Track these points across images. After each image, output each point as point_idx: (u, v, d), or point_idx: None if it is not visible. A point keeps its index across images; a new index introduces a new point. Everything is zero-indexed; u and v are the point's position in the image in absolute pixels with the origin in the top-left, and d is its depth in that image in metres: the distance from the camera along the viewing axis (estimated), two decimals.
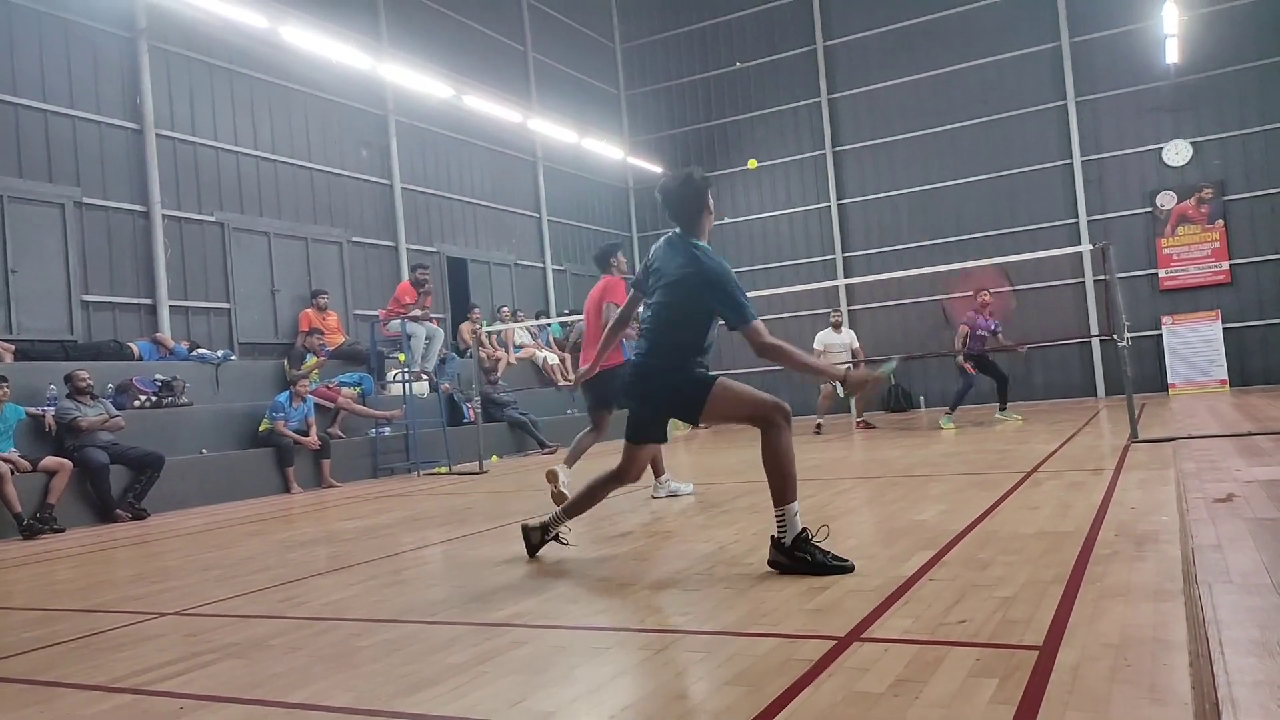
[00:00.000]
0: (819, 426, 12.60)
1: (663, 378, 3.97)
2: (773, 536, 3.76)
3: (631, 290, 4.43)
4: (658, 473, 6.75)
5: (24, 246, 9.92)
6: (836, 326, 13.19)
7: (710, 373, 4.00)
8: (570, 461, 6.47)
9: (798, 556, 3.66)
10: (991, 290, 12.31)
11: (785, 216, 19.20)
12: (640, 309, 4.32)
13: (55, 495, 7.86)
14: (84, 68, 10.73)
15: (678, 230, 4.12)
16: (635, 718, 2.26)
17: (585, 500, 4.39)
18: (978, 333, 12.12)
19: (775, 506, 3.76)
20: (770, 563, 3.76)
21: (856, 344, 13.31)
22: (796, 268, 18.74)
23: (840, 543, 4.33)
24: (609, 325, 4.77)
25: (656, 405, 4.14)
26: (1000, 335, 12.29)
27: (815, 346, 12.86)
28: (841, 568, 3.62)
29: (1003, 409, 12.38)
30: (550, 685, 2.54)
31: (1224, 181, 15.71)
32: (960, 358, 12.33)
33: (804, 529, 3.70)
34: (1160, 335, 15.79)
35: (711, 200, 4.18)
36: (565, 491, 5.73)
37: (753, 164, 13.47)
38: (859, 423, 13.10)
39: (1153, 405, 12.95)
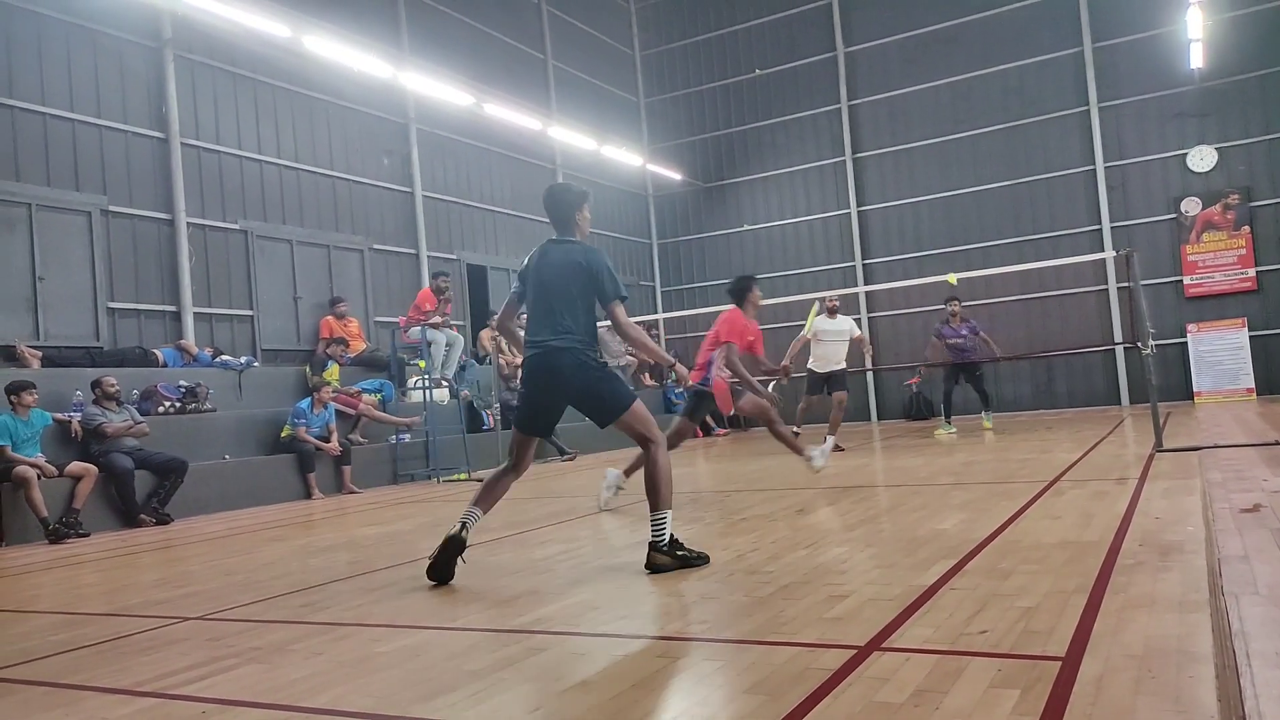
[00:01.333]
0: (794, 433, 11.51)
1: (586, 372, 4.34)
2: (651, 542, 4.23)
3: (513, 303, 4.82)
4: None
5: (51, 254, 10.06)
6: (831, 312, 11.54)
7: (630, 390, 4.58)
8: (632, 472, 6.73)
9: (679, 555, 4.20)
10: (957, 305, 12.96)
11: (805, 223, 19.16)
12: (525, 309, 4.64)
13: (81, 500, 7.95)
14: (110, 77, 10.88)
15: (555, 235, 4.69)
16: None
17: (485, 495, 4.54)
18: (950, 342, 12.73)
19: (653, 513, 4.27)
20: (650, 566, 4.18)
21: (858, 332, 11.72)
22: (816, 275, 18.68)
23: (860, 551, 4.31)
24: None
25: (569, 397, 4.45)
26: (982, 335, 12.94)
27: (804, 333, 11.29)
28: (702, 559, 4.24)
29: (948, 420, 12.86)
30: (568, 693, 2.54)
31: (1250, 187, 15.53)
32: (923, 367, 12.77)
33: (672, 534, 4.26)
34: (1185, 343, 15.61)
35: (588, 209, 4.75)
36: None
37: (953, 279, 11.99)
38: (833, 448, 9.94)
39: (1178, 414, 12.81)
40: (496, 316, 5.16)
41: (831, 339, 11.25)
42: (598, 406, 4.38)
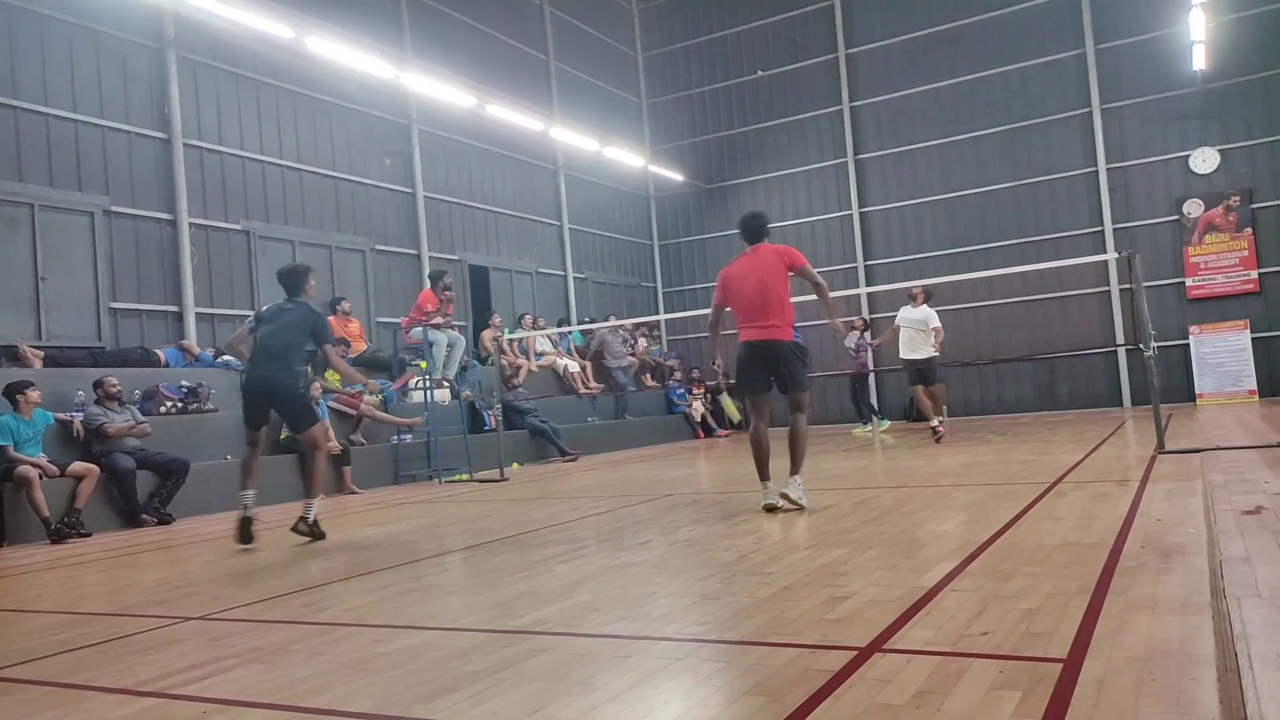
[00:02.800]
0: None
1: (289, 390, 6.28)
2: (302, 517, 6.18)
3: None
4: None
5: (54, 254, 10.07)
6: (915, 300, 11.79)
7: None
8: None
9: (311, 527, 6.18)
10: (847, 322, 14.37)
11: (807, 225, 19.15)
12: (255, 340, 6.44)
13: (82, 500, 7.95)
14: (113, 78, 10.90)
15: (289, 298, 6.50)
16: None
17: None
18: (851, 354, 14.69)
19: (309, 498, 6.27)
20: (294, 529, 6.17)
21: (936, 323, 11.62)
22: None
23: (861, 552, 4.31)
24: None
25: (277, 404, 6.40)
26: (861, 355, 14.68)
27: (897, 322, 12.04)
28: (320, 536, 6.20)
29: (866, 422, 14.72)
30: (569, 693, 2.54)
31: (1252, 189, 15.52)
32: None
33: (316, 515, 6.23)
34: (1187, 345, 15.59)
35: (312, 280, 6.57)
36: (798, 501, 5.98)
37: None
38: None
39: (1180, 416, 12.80)
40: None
41: (910, 326, 11.78)
42: (297, 418, 6.50)
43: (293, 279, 6.46)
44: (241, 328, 6.80)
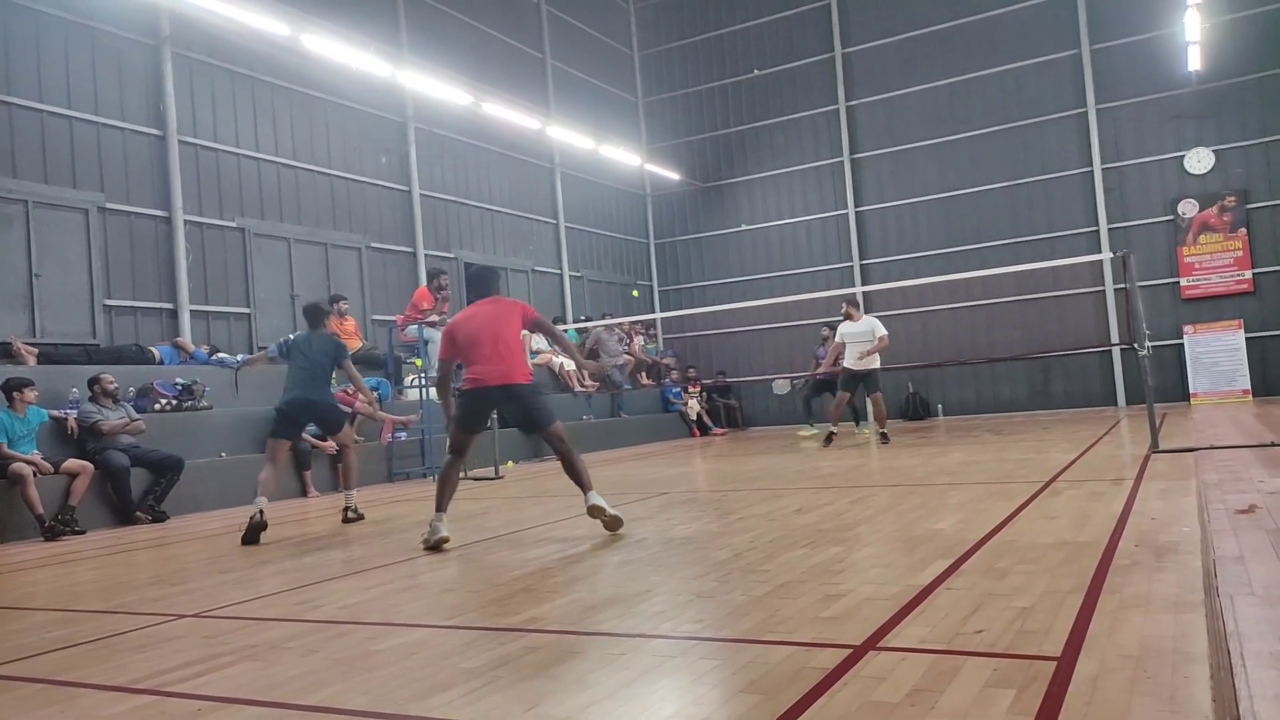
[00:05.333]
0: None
1: (326, 403, 7.36)
2: (346, 507, 7.34)
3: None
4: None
5: (48, 251, 10.04)
6: (852, 316, 12.12)
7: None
8: None
9: (357, 517, 7.27)
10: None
11: (803, 224, 19.17)
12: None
13: (76, 497, 7.93)
14: (108, 74, 10.86)
15: (312, 329, 7.45)
16: None
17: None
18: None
19: (347, 489, 7.49)
20: (345, 520, 7.19)
21: (882, 331, 12.02)
22: (814, 275, 18.71)
23: (856, 550, 4.32)
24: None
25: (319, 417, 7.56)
26: (819, 361, 14.87)
27: (836, 339, 12.48)
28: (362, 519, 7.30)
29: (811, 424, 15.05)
30: (564, 691, 2.54)
31: (1246, 190, 15.56)
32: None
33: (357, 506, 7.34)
34: (1182, 344, 15.64)
35: (332, 319, 7.73)
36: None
37: (635, 294, 16.60)
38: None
39: (1174, 415, 12.83)
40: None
41: (856, 340, 12.03)
42: (332, 425, 7.65)
43: (316, 315, 7.56)
44: (261, 354, 8.40)
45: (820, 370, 14.53)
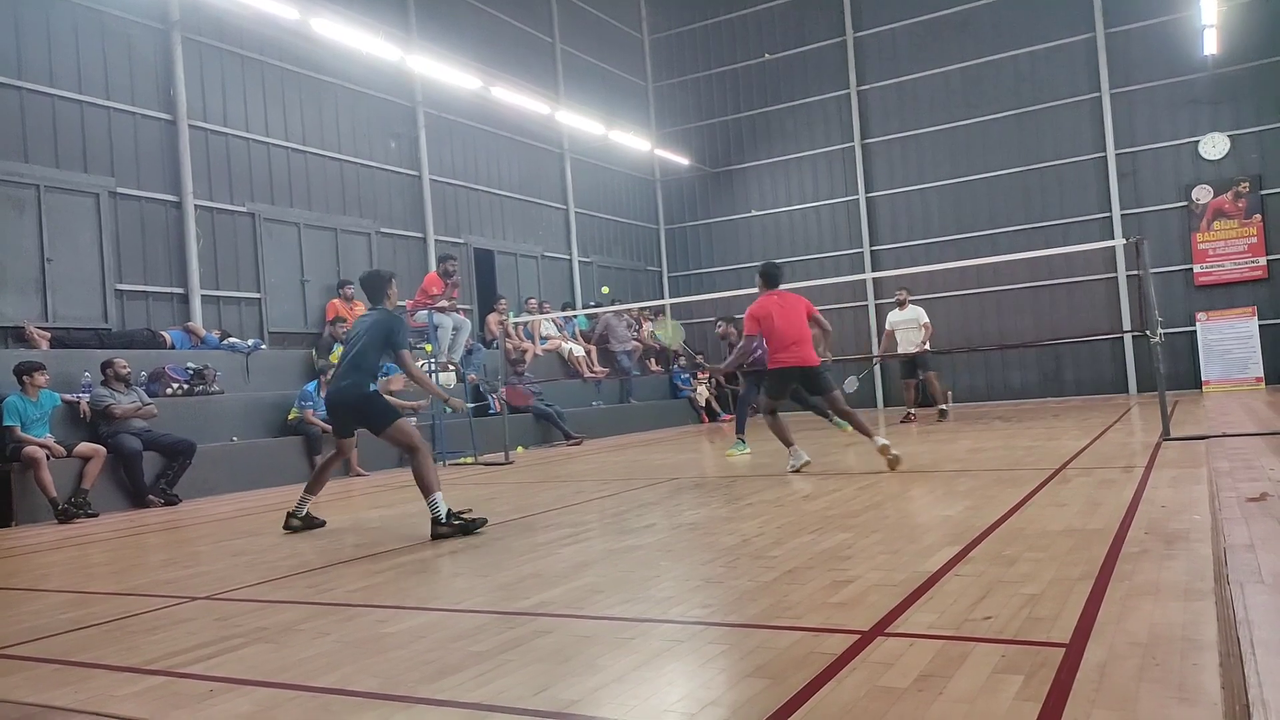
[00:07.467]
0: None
1: (356, 396, 5.79)
2: (432, 519, 5.32)
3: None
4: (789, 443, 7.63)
5: (60, 235, 10.08)
6: (902, 305, 13.29)
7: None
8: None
9: (455, 525, 5.30)
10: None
11: (813, 209, 19.09)
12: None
13: (89, 480, 8.00)
14: (119, 59, 10.87)
15: (371, 304, 6.06)
16: (657, 708, 2.26)
17: (316, 480, 6.18)
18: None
19: (425, 497, 5.40)
20: (434, 536, 5.25)
21: (925, 318, 13.25)
22: (824, 261, 18.64)
23: (865, 537, 4.32)
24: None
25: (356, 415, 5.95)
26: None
27: (886, 327, 13.65)
28: (477, 523, 5.39)
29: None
30: (573, 674, 2.56)
31: (1261, 175, 15.41)
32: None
33: (448, 508, 5.38)
34: (1194, 331, 15.54)
35: (394, 286, 6.01)
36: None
37: (606, 289, 16.72)
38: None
39: (1186, 403, 12.77)
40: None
41: (905, 328, 13.18)
42: (373, 422, 5.90)
43: (375, 286, 5.98)
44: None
45: (882, 355, 15.02)
